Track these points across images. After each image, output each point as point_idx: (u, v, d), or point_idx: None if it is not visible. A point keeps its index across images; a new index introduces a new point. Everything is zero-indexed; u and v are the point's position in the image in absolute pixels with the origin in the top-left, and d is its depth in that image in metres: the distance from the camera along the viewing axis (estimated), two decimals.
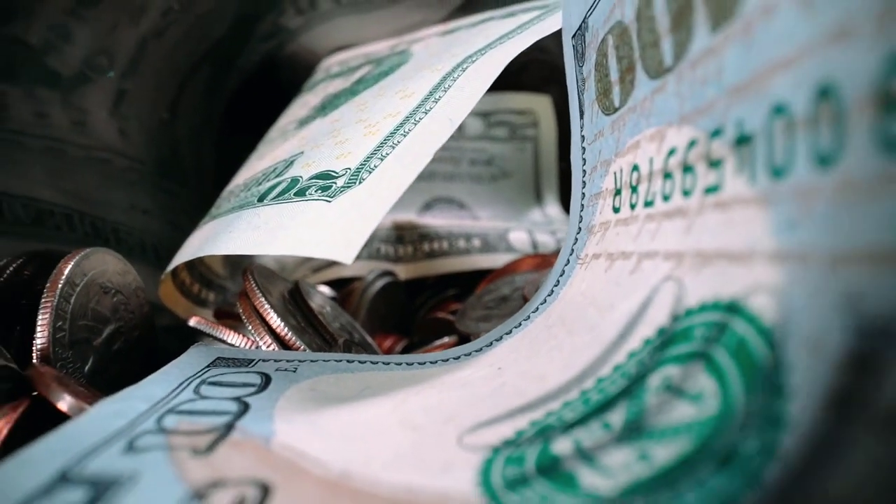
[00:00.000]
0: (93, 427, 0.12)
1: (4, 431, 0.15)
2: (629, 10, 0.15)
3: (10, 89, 0.31)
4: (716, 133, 0.11)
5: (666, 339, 0.11)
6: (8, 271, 0.21)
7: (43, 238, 0.28)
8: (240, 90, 0.44)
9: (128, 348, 0.25)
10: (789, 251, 0.08)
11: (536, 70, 0.44)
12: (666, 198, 0.13)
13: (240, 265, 0.36)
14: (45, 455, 0.10)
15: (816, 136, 0.08)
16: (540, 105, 0.48)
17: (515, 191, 0.49)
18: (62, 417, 0.17)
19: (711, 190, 0.11)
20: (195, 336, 0.27)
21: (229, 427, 0.12)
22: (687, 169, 0.12)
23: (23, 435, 0.16)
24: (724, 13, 0.10)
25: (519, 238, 0.39)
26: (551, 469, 0.09)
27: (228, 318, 0.29)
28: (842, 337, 0.07)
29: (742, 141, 0.10)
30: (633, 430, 0.10)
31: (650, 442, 0.09)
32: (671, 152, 0.13)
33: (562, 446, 0.10)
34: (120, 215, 0.34)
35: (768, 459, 0.07)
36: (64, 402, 0.16)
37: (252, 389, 0.15)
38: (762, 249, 0.09)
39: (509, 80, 0.24)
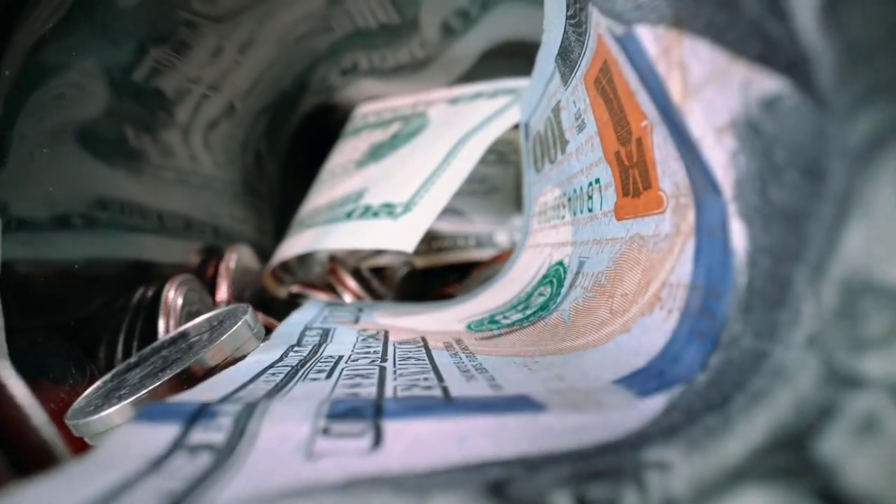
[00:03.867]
0: (299, 318, 0.28)
1: None
2: (542, 128, 0.31)
3: (146, 136, 0.47)
4: (564, 194, 0.27)
5: (542, 278, 0.27)
6: (201, 259, 0.38)
7: (191, 239, 0.44)
8: (297, 130, 0.60)
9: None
10: (573, 241, 0.25)
11: None
12: (553, 219, 0.29)
13: (305, 258, 0.52)
14: (291, 325, 0.27)
15: (578, 204, 0.24)
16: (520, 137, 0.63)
17: (501, 202, 0.64)
18: None
19: (562, 217, 0.27)
20: (277, 305, 0.43)
21: (357, 320, 0.29)
22: (559, 207, 0.28)
23: None
24: (563, 148, 0.27)
25: (502, 238, 0.55)
26: (491, 321, 0.26)
27: (308, 287, 0.45)
28: (576, 265, 0.23)
29: (570, 199, 0.26)
30: (524, 308, 0.26)
31: (528, 310, 0.25)
32: (556, 198, 0.29)
33: (498, 317, 0.26)
34: (227, 223, 0.50)
35: (557, 307, 0.23)
36: (261, 317, 0.32)
37: (357, 312, 0.32)
38: (568, 241, 0.25)
39: None
